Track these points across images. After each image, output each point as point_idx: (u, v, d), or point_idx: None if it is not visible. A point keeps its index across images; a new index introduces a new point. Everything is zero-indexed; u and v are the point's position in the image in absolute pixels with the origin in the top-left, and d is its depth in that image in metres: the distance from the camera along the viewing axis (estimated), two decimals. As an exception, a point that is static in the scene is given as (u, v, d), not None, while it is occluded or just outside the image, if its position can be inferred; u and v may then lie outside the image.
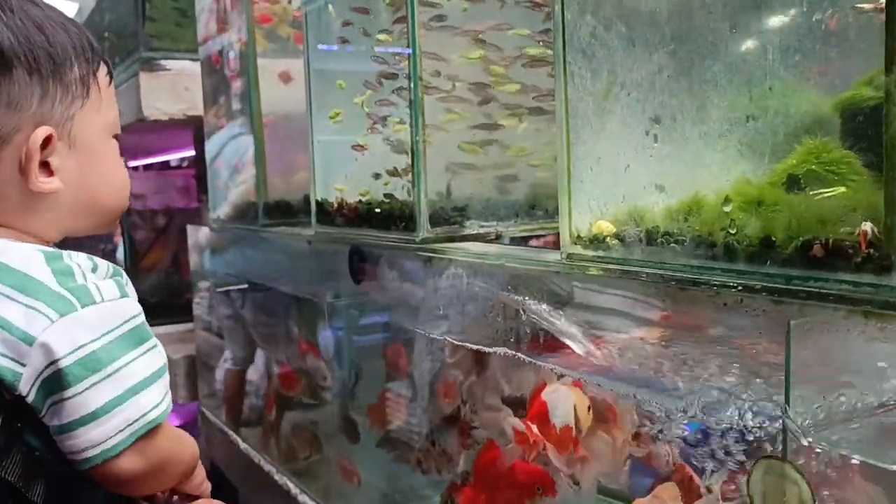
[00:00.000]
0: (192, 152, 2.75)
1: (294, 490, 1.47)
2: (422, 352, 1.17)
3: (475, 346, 0.97)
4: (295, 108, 1.72)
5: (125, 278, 0.77)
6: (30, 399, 0.67)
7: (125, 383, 0.69)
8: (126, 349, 0.70)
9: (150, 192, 2.62)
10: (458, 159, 1.15)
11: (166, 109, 2.23)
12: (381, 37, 1.17)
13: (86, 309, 0.69)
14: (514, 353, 0.92)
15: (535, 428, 0.99)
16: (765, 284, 0.62)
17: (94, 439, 0.68)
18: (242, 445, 1.76)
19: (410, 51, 1.09)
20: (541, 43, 1.17)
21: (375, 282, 1.21)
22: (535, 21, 1.18)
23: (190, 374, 2.24)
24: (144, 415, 0.69)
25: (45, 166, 0.75)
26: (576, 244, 0.82)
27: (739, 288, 0.64)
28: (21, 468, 0.68)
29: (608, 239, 0.78)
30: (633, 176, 0.80)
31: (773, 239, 0.63)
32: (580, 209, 0.84)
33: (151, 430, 0.70)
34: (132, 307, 0.73)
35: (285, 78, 1.76)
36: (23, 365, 0.67)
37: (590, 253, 0.80)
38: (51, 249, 0.74)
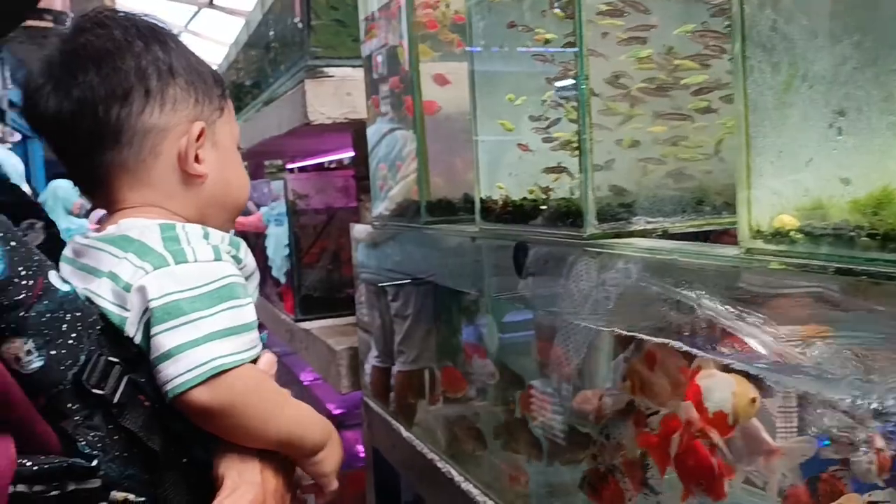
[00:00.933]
0: (351, 153, 2.89)
1: (458, 478, 1.53)
2: (589, 346, 1.20)
3: (646, 337, 0.98)
4: (451, 110, 1.78)
5: (242, 248, 0.92)
6: (137, 340, 0.79)
7: (201, 330, 0.78)
8: (208, 303, 0.80)
9: (312, 192, 2.78)
10: (625, 156, 1.16)
11: (330, 114, 2.35)
12: (548, 35, 1.20)
13: (178, 265, 0.81)
14: (687, 346, 0.93)
15: (692, 408, 1.00)
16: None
17: (169, 374, 0.77)
18: (405, 434, 1.84)
19: (576, 49, 1.11)
20: (709, 38, 1.17)
21: (541, 277, 1.24)
22: (695, 15, 1.17)
23: (352, 365, 2.36)
24: (214, 358, 0.78)
25: (195, 157, 0.92)
26: (755, 239, 0.82)
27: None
28: (143, 419, 0.78)
29: (791, 233, 0.77)
30: (816, 169, 0.79)
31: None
32: (760, 203, 0.83)
33: (223, 373, 0.78)
34: (223, 269, 0.84)
35: (440, 80, 1.82)
36: (127, 310, 0.79)
37: (771, 247, 0.80)
38: (169, 221, 0.88)
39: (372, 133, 2.08)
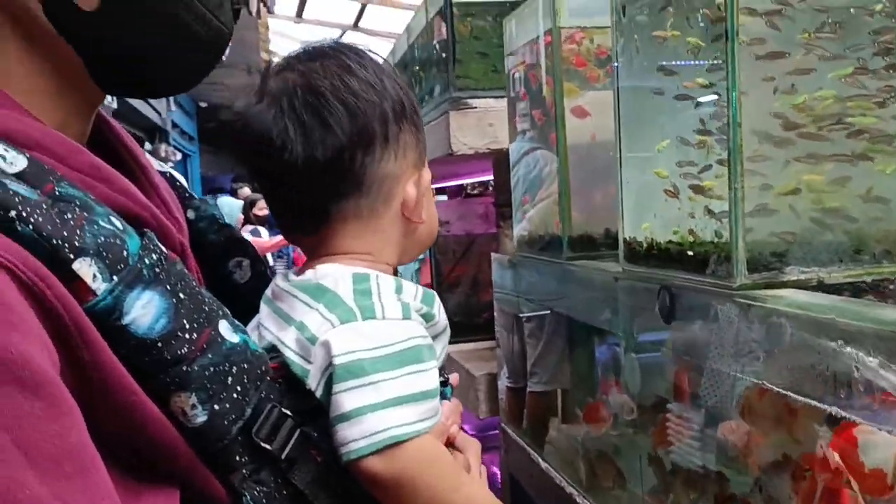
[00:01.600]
0: (490, 177, 2.94)
1: (596, 515, 1.53)
2: (734, 396, 1.17)
3: (803, 399, 0.95)
4: (589, 142, 1.79)
5: (436, 304, 0.86)
6: (318, 394, 0.76)
7: (382, 394, 0.74)
8: (392, 366, 0.76)
9: (454, 218, 2.85)
10: (778, 202, 1.14)
11: (472, 144, 2.41)
12: (699, 80, 1.19)
13: (366, 322, 0.78)
14: (848, 415, 0.90)
15: (836, 456, 0.97)
16: None
17: (346, 437, 0.74)
18: (543, 465, 1.85)
19: (727, 89, 1.10)
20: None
21: (686, 322, 1.23)
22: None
23: (490, 390, 2.39)
24: (392, 427, 0.73)
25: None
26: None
27: None
28: (312, 475, 0.74)
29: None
30: None
31: None
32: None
33: (400, 444, 0.74)
34: (411, 329, 0.79)
35: (579, 113, 1.83)
36: (310, 363, 0.76)
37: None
38: (364, 271, 0.83)
39: (513, 150, 2.12)
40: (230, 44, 0.81)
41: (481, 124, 2.41)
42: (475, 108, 2.40)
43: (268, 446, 0.71)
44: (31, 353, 0.49)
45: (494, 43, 2.38)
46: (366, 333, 0.77)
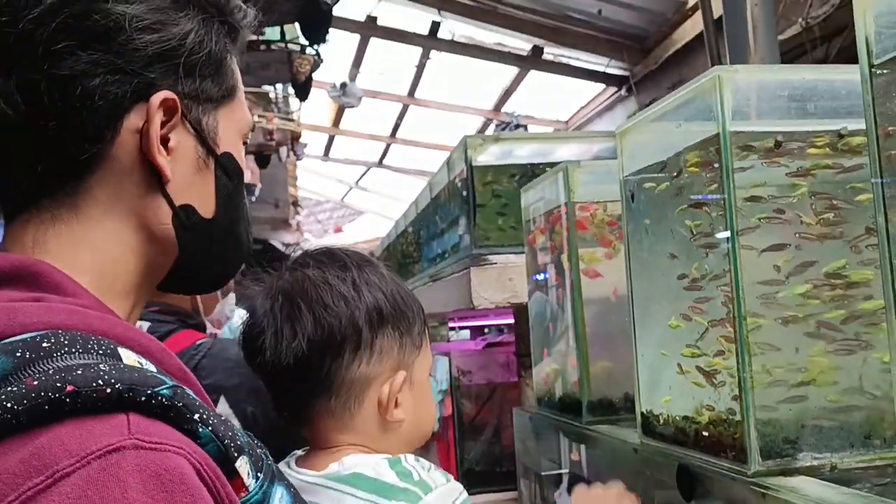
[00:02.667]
0: (511, 319, 2.99)
1: None
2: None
3: None
4: (601, 302, 1.85)
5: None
6: None
7: None
8: None
9: (475, 368, 2.89)
10: (788, 388, 1.18)
11: (492, 299, 2.48)
12: (695, 270, 1.26)
13: (429, 495, 0.90)
14: None
15: None
16: None
17: None
18: None
19: (732, 285, 1.16)
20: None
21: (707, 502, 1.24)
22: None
23: (515, 547, 2.36)
24: None
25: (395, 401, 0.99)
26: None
27: None
28: None
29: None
30: None
31: None
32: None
33: None
34: (458, 486, 0.95)
35: (591, 274, 1.90)
36: None
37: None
38: (392, 457, 0.95)
39: (531, 303, 2.18)
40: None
41: (502, 279, 2.48)
42: (495, 263, 2.49)
43: None
44: None
45: (513, 198, 2.49)
46: (443, 497, 0.92)
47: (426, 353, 1.05)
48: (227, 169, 0.78)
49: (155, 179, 0.73)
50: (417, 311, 1.04)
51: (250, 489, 0.64)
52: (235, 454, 0.63)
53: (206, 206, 0.77)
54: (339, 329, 0.95)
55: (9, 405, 0.55)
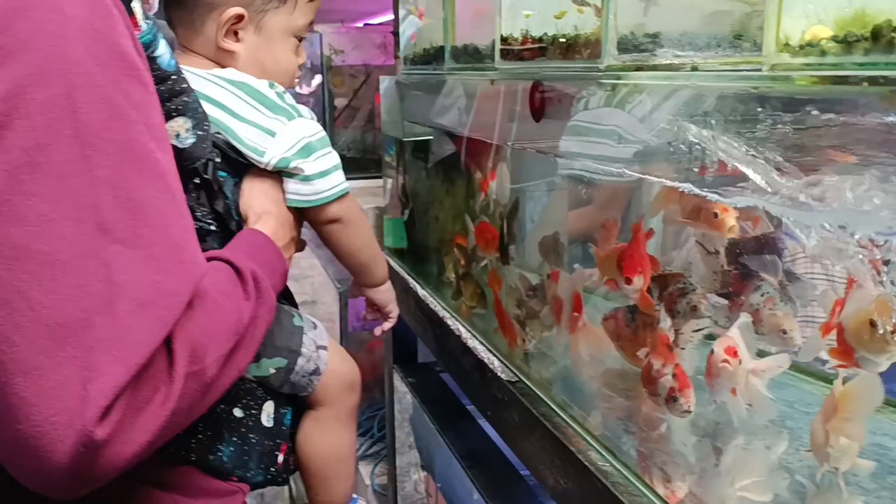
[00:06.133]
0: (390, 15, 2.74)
1: (465, 335, 1.48)
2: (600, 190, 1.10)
3: (657, 179, 0.88)
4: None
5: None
6: (269, 167, 1.04)
7: (331, 161, 1.08)
8: (323, 145, 1.08)
9: (349, 48, 2.65)
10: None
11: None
12: None
13: (301, 118, 1.08)
14: (699, 189, 0.82)
15: None
16: None
17: (319, 188, 1.07)
18: (421, 292, 1.79)
19: None
20: None
21: (555, 119, 1.13)
22: None
23: (378, 225, 2.31)
24: (341, 183, 1.09)
25: (235, 34, 1.08)
26: (782, 52, 0.70)
27: None
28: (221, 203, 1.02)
29: (823, 42, 0.65)
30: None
31: None
32: (792, 15, 0.71)
33: (346, 195, 1.09)
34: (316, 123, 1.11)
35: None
36: (264, 149, 1.04)
37: (798, 61, 0.68)
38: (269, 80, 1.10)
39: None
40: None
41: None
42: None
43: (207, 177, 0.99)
44: (128, 47, 0.68)
45: None
46: (304, 126, 1.08)
47: (292, 13, 1.10)
48: None
49: None
50: None
51: (142, 29, 0.76)
52: None
53: None
54: None
55: None
